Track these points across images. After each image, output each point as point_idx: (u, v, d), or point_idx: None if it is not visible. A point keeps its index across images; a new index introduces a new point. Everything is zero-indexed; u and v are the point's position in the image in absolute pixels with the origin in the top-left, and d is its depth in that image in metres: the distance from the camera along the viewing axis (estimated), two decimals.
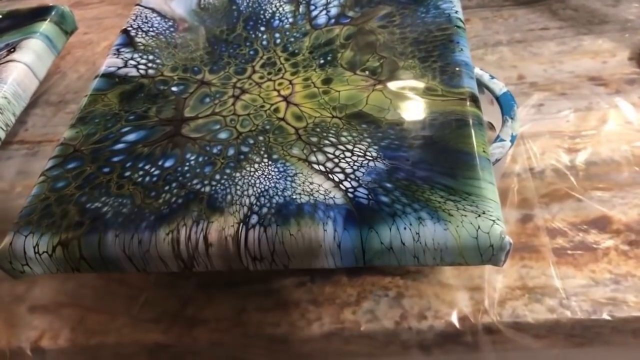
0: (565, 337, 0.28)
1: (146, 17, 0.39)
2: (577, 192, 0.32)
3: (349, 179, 0.26)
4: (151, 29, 0.38)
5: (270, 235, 0.24)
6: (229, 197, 0.26)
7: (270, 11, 0.38)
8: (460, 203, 0.24)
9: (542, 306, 0.28)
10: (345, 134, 0.28)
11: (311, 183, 0.26)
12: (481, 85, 0.35)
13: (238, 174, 0.27)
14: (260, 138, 0.29)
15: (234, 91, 0.32)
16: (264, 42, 0.35)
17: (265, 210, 0.25)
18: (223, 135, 0.29)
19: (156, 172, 0.28)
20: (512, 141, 0.31)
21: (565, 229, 0.31)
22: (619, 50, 0.42)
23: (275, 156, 0.27)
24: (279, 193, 0.26)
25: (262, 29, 0.36)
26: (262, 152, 0.28)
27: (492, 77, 0.35)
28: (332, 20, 0.36)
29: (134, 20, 0.38)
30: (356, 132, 0.28)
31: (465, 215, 0.24)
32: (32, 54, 0.41)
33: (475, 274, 0.29)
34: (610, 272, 0.29)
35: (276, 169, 0.27)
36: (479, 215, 0.24)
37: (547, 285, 0.28)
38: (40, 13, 0.45)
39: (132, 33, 0.37)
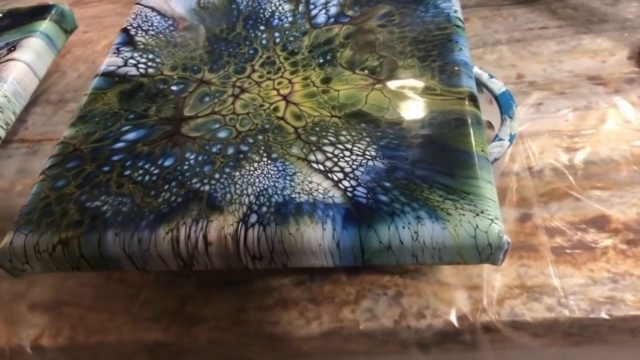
0: (564, 336, 0.28)
1: (146, 16, 0.39)
2: (576, 191, 0.33)
3: (348, 178, 0.26)
4: (151, 28, 0.38)
5: (270, 234, 0.24)
6: (228, 196, 0.26)
7: (270, 10, 0.38)
8: (459, 202, 0.24)
9: (540, 305, 0.28)
10: (344, 133, 0.28)
11: (310, 182, 0.26)
12: (480, 84, 0.35)
13: (237, 173, 0.27)
14: (260, 137, 0.29)
15: (234, 90, 0.32)
16: (264, 41, 0.35)
17: (264, 209, 0.25)
18: (222, 134, 0.29)
19: (156, 171, 0.28)
20: (510, 140, 0.31)
21: (563, 228, 0.31)
22: (618, 50, 0.42)
23: (274, 155, 0.28)
24: (278, 192, 0.26)
25: (262, 28, 0.36)
26: (261, 151, 0.28)
27: (491, 77, 0.35)
28: (332, 20, 0.36)
29: (134, 19, 0.38)
30: (355, 131, 0.28)
31: (464, 215, 0.24)
32: (32, 52, 0.42)
33: (474, 272, 0.29)
34: (609, 271, 0.29)
35: (275, 168, 0.27)
36: (478, 215, 0.24)
37: (546, 284, 0.29)
38: (40, 12, 0.45)
39: (132, 32, 0.37)
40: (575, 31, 0.44)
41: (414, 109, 0.29)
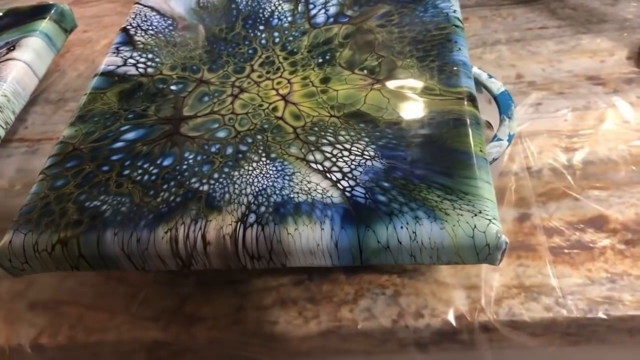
0: (562, 336, 0.28)
1: (145, 16, 0.39)
2: (574, 191, 0.33)
3: (346, 178, 0.26)
4: (150, 28, 0.38)
5: (268, 234, 0.24)
6: (227, 195, 0.26)
7: (270, 10, 0.38)
8: (457, 202, 0.24)
9: (538, 305, 0.28)
10: (343, 133, 0.28)
11: (309, 182, 0.26)
12: (479, 84, 0.35)
13: (236, 173, 0.27)
14: (259, 137, 0.29)
15: (233, 90, 0.32)
16: (263, 41, 0.35)
17: (263, 209, 0.25)
18: (221, 134, 0.29)
19: (155, 171, 0.28)
20: (509, 140, 0.31)
21: (562, 228, 0.31)
22: (617, 50, 0.42)
23: (273, 155, 0.28)
24: (277, 192, 0.26)
25: (261, 27, 0.36)
26: (260, 151, 0.28)
27: (490, 77, 0.35)
28: (331, 19, 0.36)
29: (133, 19, 0.38)
30: (354, 131, 0.28)
31: (462, 215, 0.24)
32: (32, 52, 0.42)
33: (472, 272, 0.29)
34: (607, 271, 0.29)
35: (274, 168, 0.27)
36: (476, 215, 0.24)
37: (544, 284, 0.29)
38: (39, 11, 0.45)
39: (132, 32, 0.37)
40: (574, 31, 0.44)
41: (412, 109, 0.29)
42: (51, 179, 0.28)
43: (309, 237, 0.24)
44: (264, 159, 0.28)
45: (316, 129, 0.29)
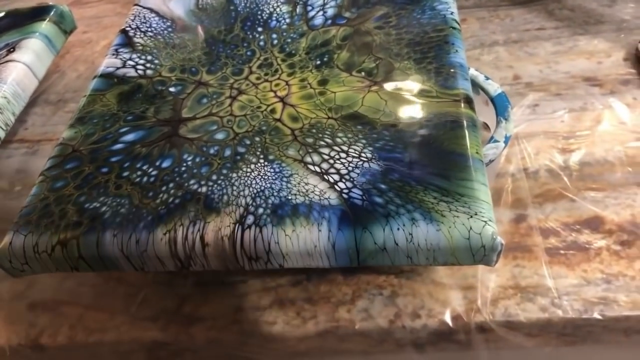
0: (557, 336, 0.29)
1: (144, 17, 0.39)
2: (571, 192, 0.33)
3: (343, 180, 0.26)
4: (149, 29, 0.38)
5: (266, 236, 0.25)
6: (225, 197, 0.26)
7: (268, 12, 0.38)
8: (453, 204, 0.24)
9: (534, 305, 0.28)
10: (340, 135, 0.28)
11: (306, 184, 0.26)
12: (476, 86, 0.35)
13: (234, 175, 0.27)
14: (257, 139, 0.29)
15: (231, 92, 0.32)
16: (261, 43, 0.35)
17: (261, 210, 0.25)
18: (220, 136, 0.29)
19: (154, 173, 0.28)
20: (505, 142, 0.31)
21: (558, 229, 0.31)
22: (614, 51, 0.42)
23: (271, 157, 0.28)
24: (275, 193, 0.26)
25: (260, 29, 0.37)
26: (258, 153, 0.28)
27: (487, 78, 0.35)
28: (329, 21, 0.36)
29: (133, 21, 0.39)
30: (351, 133, 0.28)
31: (458, 216, 0.24)
32: (32, 53, 0.42)
33: (469, 273, 0.30)
34: (602, 271, 0.29)
35: (272, 170, 0.27)
36: (471, 217, 0.24)
37: (540, 285, 0.29)
38: (39, 13, 0.45)
39: (131, 33, 0.38)
40: (571, 32, 0.44)
41: (409, 111, 0.29)
42: (51, 181, 0.29)
43: (307, 238, 0.24)
44: (262, 160, 0.28)
45: (314, 130, 0.29)
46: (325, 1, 0.38)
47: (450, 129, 0.28)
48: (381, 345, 0.29)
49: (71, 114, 0.32)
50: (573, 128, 0.37)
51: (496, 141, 0.31)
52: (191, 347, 0.30)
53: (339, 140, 0.28)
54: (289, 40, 0.35)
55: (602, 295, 0.28)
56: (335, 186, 0.26)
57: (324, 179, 0.26)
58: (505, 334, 0.28)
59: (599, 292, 0.28)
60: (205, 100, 0.32)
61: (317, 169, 0.27)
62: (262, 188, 0.26)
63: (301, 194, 0.26)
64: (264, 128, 0.29)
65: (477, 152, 0.26)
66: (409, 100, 0.29)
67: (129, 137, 0.30)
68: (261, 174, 0.27)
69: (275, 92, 0.32)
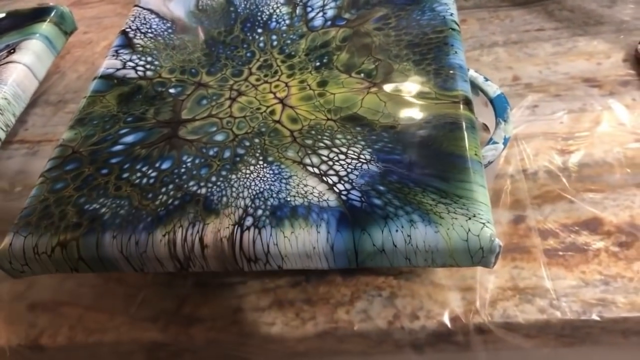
0: (556, 337, 0.29)
1: (145, 19, 0.39)
2: (569, 193, 0.33)
3: (342, 182, 0.26)
4: (149, 31, 0.38)
5: (265, 237, 0.25)
6: (224, 199, 0.26)
7: (268, 13, 0.38)
8: (452, 206, 0.24)
9: (532, 307, 0.28)
10: (339, 136, 0.28)
11: (305, 185, 0.26)
12: (475, 87, 0.35)
13: (234, 176, 0.27)
14: (256, 140, 0.29)
15: (231, 93, 0.32)
16: (261, 44, 0.35)
17: (260, 212, 0.26)
18: (219, 138, 0.29)
19: (153, 174, 0.28)
20: (504, 143, 0.31)
21: (556, 230, 0.31)
22: (613, 52, 0.42)
23: (270, 158, 0.28)
24: (274, 195, 0.26)
25: (259, 30, 0.37)
26: (257, 155, 0.28)
27: (487, 80, 0.35)
28: (329, 23, 0.36)
29: (133, 22, 0.39)
30: (350, 134, 0.28)
31: (456, 218, 0.24)
32: (32, 55, 0.42)
33: (467, 274, 0.30)
34: (600, 273, 0.29)
35: (271, 171, 0.27)
36: (470, 218, 0.24)
37: (538, 286, 0.29)
38: (39, 14, 0.45)
39: (131, 34, 0.38)
40: (571, 33, 0.44)
41: (408, 113, 0.29)
42: (51, 182, 0.29)
43: (305, 240, 0.25)
44: (261, 162, 0.28)
45: (313, 132, 0.29)
46: (325, 2, 0.38)
47: (449, 131, 0.28)
48: (380, 346, 0.29)
49: (71, 114, 0.32)
50: (572, 129, 0.37)
51: (495, 142, 0.31)
52: (190, 348, 0.30)
53: (338, 141, 0.28)
54: (289, 41, 0.35)
55: (600, 297, 0.28)
56: (334, 188, 0.26)
57: (322, 181, 0.26)
58: (503, 335, 0.28)
59: (597, 293, 0.28)
60: (204, 102, 0.32)
61: (316, 171, 0.27)
62: (261, 190, 0.26)
63: (300, 195, 0.26)
64: (263, 129, 0.29)
65: (475, 154, 0.27)
66: (408, 101, 0.29)
67: (129, 138, 0.30)
68: (260, 176, 0.27)
69: (274, 93, 0.32)
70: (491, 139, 0.32)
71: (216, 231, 0.25)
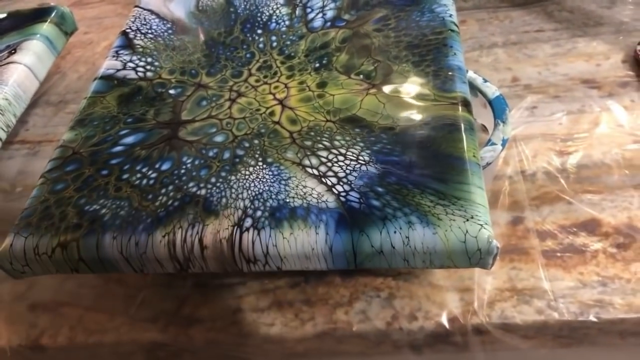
0: (553, 338, 0.29)
1: (145, 19, 0.39)
2: (568, 194, 0.33)
3: (341, 183, 0.26)
4: (150, 31, 0.38)
5: (264, 238, 0.25)
6: (224, 200, 0.26)
7: (268, 14, 0.38)
8: (450, 207, 0.25)
9: (530, 308, 0.28)
10: (338, 137, 0.29)
11: (304, 187, 0.26)
12: (474, 88, 0.35)
13: (233, 177, 0.27)
14: (256, 141, 0.29)
15: (231, 94, 0.32)
16: (261, 45, 0.35)
17: (259, 213, 0.26)
18: (219, 139, 0.30)
19: (153, 175, 0.28)
20: (503, 145, 0.31)
21: (555, 232, 0.31)
22: (613, 53, 0.42)
23: (269, 159, 0.28)
24: (273, 196, 0.26)
25: (259, 31, 0.37)
26: (257, 156, 0.28)
27: (485, 81, 0.35)
28: (328, 24, 0.36)
29: (133, 22, 0.39)
30: (349, 136, 0.29)
31: (454, 220, 0.24)
32: (33, 55, 0.42)
33: (466, 275, 0.30)
34: (598, 274, 0.29)
35: (270, 173, 0.27)
36: (467, 220, 0.24)
37: (536, 287, 0.29)
38: (40, 14, 0.45)
39: (131, 35, 0.38)
40: (570, 34, 0.44)
41: (407, 114, 0.29)
42: (51, 183, 0.29)
43: (304, 241, 0.25)
44: (260, 163, 0.28)
45: (312, 133, 0.29)
46: (325, 3, 0.38)
47: (447, 132, 0.28)
48: (378, 347, 0.29)
49: (72, 115, 0.32)
50: (571, 130, 0.37)
51: (494, 144, 0.31)
52: (190, 348, 0.30)
53: (337, 143, 0.28)
54: (288, 42, 0.35)
55: (598, 298, 0.28)
56: (333, 189, 0.26)
57: (321, 182, 0.26)
58: (501, 336, 0.28)
59: (594, 294, 0.28)
60: (204, 103, 0.32)
61: (315, 172, 0.27)
62: (261, 191, 0.27)
63: (299, 196, 0.26)
64: (262, 131, 0.30)
65: (474, 156, 0.27)
66: (407, 103, 0.30)
67: (129, 139, 0.31)
68: (260, 177, 0.27)
69: (274, 94, 0.32)
70: (490, 140, 0.32)
71: (215, 232, 0.25)
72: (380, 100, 0.30)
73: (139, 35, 0.38)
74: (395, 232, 0.24)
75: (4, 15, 0.46)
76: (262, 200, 0.26)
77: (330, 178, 0.27)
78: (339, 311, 0.29)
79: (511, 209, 0.33)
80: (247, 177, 0.27)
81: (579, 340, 0.29)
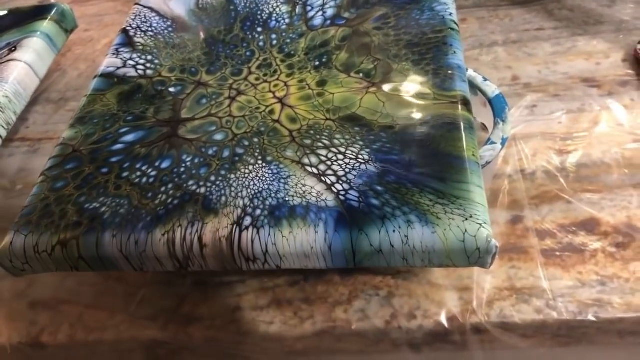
0: (552, 337, 0.29)
1: (145, 17, 0.39)
2: (567, 194, 0.33)
3: (340, 182, 0.26)
4: (150, 29, 0.38)
5: (263, 237, 0.25)
6: (223, 198, 0.27)
7: (268, 12, 0.38)
8: (449, 207, 0.25)
9: (529, 307, 0.28)
10: (338, 136, 0.29)
11: (304, 185, 0.27)
12: (474, 87, 0.35)
13: (233, 176, 0.28)
14: (255, 140, 0.29)
15: (230, 92, 0.32)
16: (261, 43, 0.35)
17: (258, 212, 0.26)
18: (219, 137, 0.30)
19: (153, 173, 0.28)
20: (502, 144, 0.31)
21: (554, 231, 0.31)
22: (613, 52, 0.42)
23: (269, 158, 0.28)
24: (272, 195, 0.26)
25: (259, 29, 0.37)
26: (256, 154, 0.28)
27: (485, 79, 0.35)
28: (328, 22, 0.36)
29: (133, 20, 0.39)
30: (349, 134, 0.29)
31: (453, 219, 0.24)
32: (33, 53, 0.42)
33: (465, 274, 0.30)
34: (597, 273, 0.29)
35: (270, 171, 0.27)
36: (467, 219, 0.24)
37: (535, 287, 0.29)
38: (40, 12, 0.45)
39: (131, 33, 0.38)
40: (571, 33, 0.44)
41: (407, 113, 0.29)
42: (51, 181, 0.29)
43: (303, 240, 0.25)
44: (260, 162, 0.28)
45: (312, 132, 0.29)
46: (325, 1, 0.38)
47: (447, 131, 0.28)
48: (377, 345, 0.29)
49: (72, 112, 0.32)
50: (570, 129, 0.37)
51: (493, 143, 0.31)
52: (189, 346, 0.30)
53: (336, 141, 0.28)
54: (288, 40, 0.35)
55: (596, 297, 0.28)
56: (332, 188, 0.26)
57: (321, 181, 0.27)
58: (500, 335, 0.28)
59: (593, 294, 0.28)
60: (204, 101, 0.32)
61: (315, 171, 0.27)
62: (260, 189, 0.27)
63: (298, 195, 0.26)
64: (262, 129, 0.30)
65: (473, 155, 0.27)
66: (407, 101, 0.30)
67: (129, 137, 0.31)
68: (259, 176, 0.27)
69: (274, 93, 0.32)
70: (489, 139, 0.32)
71: (215, 231, 0.25)
72: (379, 98, 0.30)
73: (139, 33, 0.38)
74: (394, 231, 0.24)
75: (4, 12, 0.46)
76: (261, 198, 0.26)
77: (329, 177, 0.27)
78: (338, 310, 0.30)
79: (510, 208, 0.33)
80: (246, 175, 0.27)
81: (577, 340, 0.29)
